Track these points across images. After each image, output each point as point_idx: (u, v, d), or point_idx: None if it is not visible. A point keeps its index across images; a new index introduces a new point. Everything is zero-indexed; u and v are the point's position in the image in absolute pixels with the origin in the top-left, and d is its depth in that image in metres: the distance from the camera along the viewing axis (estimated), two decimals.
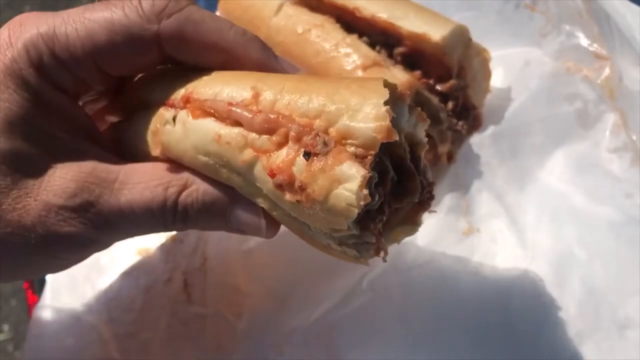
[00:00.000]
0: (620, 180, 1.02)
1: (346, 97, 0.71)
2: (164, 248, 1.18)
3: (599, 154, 1.05)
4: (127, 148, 0.88)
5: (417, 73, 1.08)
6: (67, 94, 0.81)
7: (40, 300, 1.14)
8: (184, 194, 0.79)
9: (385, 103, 0.68)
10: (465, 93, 1.09)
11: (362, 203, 0.67)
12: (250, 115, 0.74)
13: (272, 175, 0.71)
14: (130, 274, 1.15)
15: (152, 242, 1.19)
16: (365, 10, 1.11)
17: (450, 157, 1.08)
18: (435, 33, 1.04)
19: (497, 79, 1.14)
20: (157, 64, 0.84)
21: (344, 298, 1.01)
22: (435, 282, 0.99)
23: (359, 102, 0.70)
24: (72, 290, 1.16)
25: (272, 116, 0.73)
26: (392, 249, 0.78)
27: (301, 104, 0.72)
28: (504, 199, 1.05)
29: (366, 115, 0.69)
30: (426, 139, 0.78)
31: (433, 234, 1.03)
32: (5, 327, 2.46)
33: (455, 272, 1.00)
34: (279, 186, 0.71)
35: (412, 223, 0.80)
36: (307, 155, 0.69)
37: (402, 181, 0.75)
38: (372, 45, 1.11)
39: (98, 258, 1.18)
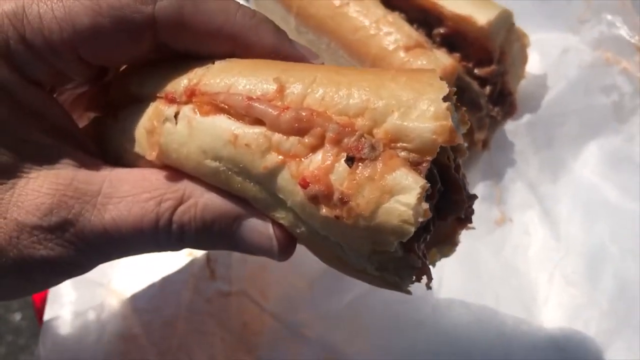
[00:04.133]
0: None
1: (395, 91, 0.59)
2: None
3: (633, 148, 1.05)
4: (112, 149, 0.74)
5: (457, 55, 1.05)
6: (41, 87, 0.67)
7: None
8: (179, 210, 0.66)
9: (445, 99, 0.58)
10: (504, 79, 1.07)
11: (420, 219, 0.56)
12: (275, 112, 0.62)
13: (305, 184, 0.59)
14: (137, 268, 1.12)
15: None
16: None
17: (485, 144, 1.07)
18: (481, 17, 1.01)
19: (533, 65, 1.12)
20: (148, 53, 0.70)
21: None
22: (466, 274, 0.99)
23: (412, 97, 0.58)
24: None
25: (303, 113, 0.60)
26: None
27: (339, 98, 0.60)
28: (537, 189, 1.04)
29: (422, 113, 0.57)
30: (465, 144, 0.69)
31: None
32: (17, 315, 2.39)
33: (486, 262, 1.00)
34: (313, 198, 0.59)
35: (449, 242, 0.72)
36: (351, 160, 0.58)
37: (447, 193, 0.64)
38: (410, 22, 1.07)
39: None
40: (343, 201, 0.58)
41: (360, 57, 1.05)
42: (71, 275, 0.70)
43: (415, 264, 0.61)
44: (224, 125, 0.64)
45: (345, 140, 0.59)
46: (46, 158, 0.66)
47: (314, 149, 0.60)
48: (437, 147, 0.57)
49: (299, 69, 0.65)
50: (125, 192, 0.66)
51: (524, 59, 1.10)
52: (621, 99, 1.07)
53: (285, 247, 0.67)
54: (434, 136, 0.57)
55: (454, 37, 1.05)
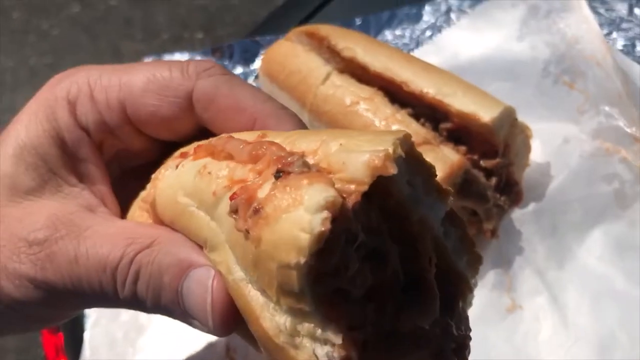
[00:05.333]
0: None
1: (353, 136, 0.56)
2: None
3: (635, 234, 1.09)
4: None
5: (463, 148, 1.10)
6: (89, 135, 0.77)
7: None
8: (144, 252, 0.67)
9: (398, 145, 0.53)
10: (509, 170, 1.13)
11: (317, 230, 0.49)
12: (242, 145, 0.61)
13: (233, 198, 0.56)
14: (170, 334, 1.16)
15: None
16: (413, 84, 1.13)
17: (494, 233, 1.12)
18: (485, 114, 1.07)
19: (536, 153, 1.18)
20: (190, 132, 0.77)
21: None
22: None
23: (365, 139, 0.55)
24: (111, 349, 1.17)
25: (264, 145, 0.58)
26: None
27: (304, 140, 0.58)
28: (545, 276, 1.08)
29: (364, 143, 0.54)
30: (474, 280, 0.64)
31: (478, 310, 1.06)
32: None
33: (498, 349, 1.03)
34: (234, 210, 0.55)
35: None
36: (279, 173, 0.54)
37: (417, 298, 0.57)
38: (417, 117, 1.13)
39: (137, 316, 1.19)
40: (256, 210, 0.53)
41: None
42: (34, 311, 0.73)
43: (335, 340, 0.52)
44: (202, 161, 0.65)
45: (284, 159, 0.56)
46: (62, 194, 0.74)
47: (259, 173, 0.57)
48: (368, 176, 0.51)
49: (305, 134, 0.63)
50: (111, 232, 0.69)
51: (527, 149, 1.16)
52: (622, 187, 1.11)
53: (222, 310, 0.62)
54: (366, 162, 0.52)
55: (460, 131, 1.11)
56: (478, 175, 1.09)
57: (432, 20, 1.41)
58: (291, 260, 0.50)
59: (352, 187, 0.52)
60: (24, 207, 0.72)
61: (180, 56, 1.48)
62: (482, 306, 1.07)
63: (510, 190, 1.13)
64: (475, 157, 1.11)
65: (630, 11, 1.31)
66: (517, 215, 1.13)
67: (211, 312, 0.62)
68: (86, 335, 1.17)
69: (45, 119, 0.74)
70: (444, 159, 1.05)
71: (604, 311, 1.03)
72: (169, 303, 0.66)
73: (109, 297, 0.68)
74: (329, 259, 0.51)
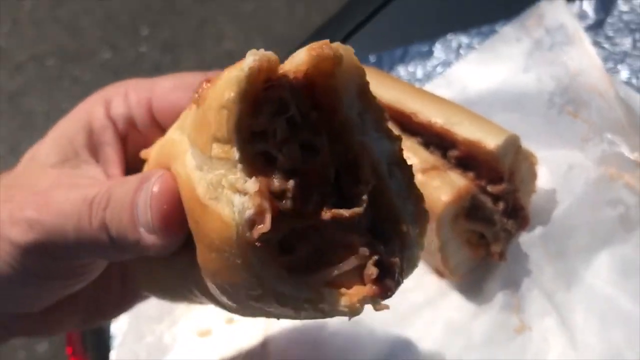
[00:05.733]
0: None
1: None
2: (223, 330, 1.24)
3: None
4: None
5: (471, 175, 1.15)
6: (115, 126, 0.86)
7: None
8: (117, 183, 0.74)
9: (339, 44, 0.60)
10: (515, 195, 1.17)
11: (247, 67, 0.55)
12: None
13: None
14: (193, 355, 1.21)
15: (212, 323, 1.25)
16: (422, 115, 1.19)
17: (502, 256, 1.15)
18: (490, 141, 1.12)
19: (542, 180, 1.22)
20: None
21: None
22: None
23: None
24: None
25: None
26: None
27: None
28: (553, 297, 1.11)
29: None
30: (416, 232, 0.64)
31: (486, 331, 1.10)
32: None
33: None
34: (195, 102, 0.63)
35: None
36: None
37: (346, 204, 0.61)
38: (426, 145, 1.19)
39: (161, 337, 1.24)
40: (205, 83, 0.62)
41: None
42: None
43: (250, 187, 0.58)
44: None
45: None
46: (79, 170, 0.82)
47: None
48: (306, 58, 0.58)
49: None
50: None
51: (533, 176, 1.20)
52: (626, 211, 1.15)
53: (160, 204, 0.67)
54: (306, 49, 0.59)
55: (467, 159, 1.16)
56: (485, 200, 1.14)
57: (443, 57, 1.48)
58: (224, 98, 0.56)
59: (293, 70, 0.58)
60: (44, 175, 0.81)
61: None
62: (490, 327, 1.10)
63: (517, 215, 1.17)
64: (483, 183, 1.16)
65: (634, 45, 1.36)
66: (525, 239, 1.17)
67: (150, 207, 0.67)
68: (112, 355, 1.23)
69: (83, 111, 0.86)
70: (451, 184, 1.10)
71: (612, 331, 1.06)
72: (127, 223, 0.69)
73: (84, 231, 0.72)
74: (259, 115, 0.57)
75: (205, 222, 0.60)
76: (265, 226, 0.56)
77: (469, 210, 1.13)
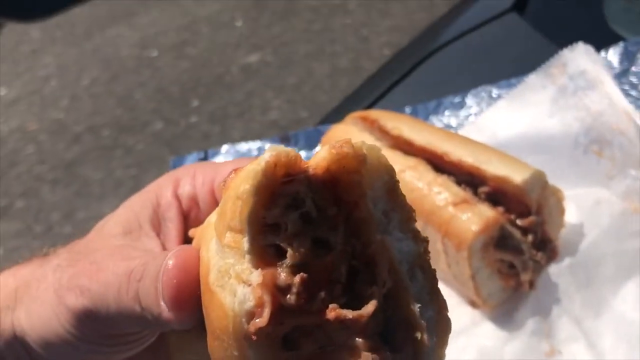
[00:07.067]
0: None
1: None
2: None
3: None
4: None
5: (500, 209, 1.23)
6: (180, 203, 0.88)
7: None
8: (154, 258, 0.74)
9: (363, 143, 0.60)
10: (543, 228, 1.24)
11: (264, 161, 0.57)
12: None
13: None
14: None
15: None
16: (452, 154, 1.28)
17: (532, 284, 1.21)
18: (517, 176, 1.21)
19: (571, 215, 1.29)
20: None
21: None
22: None
23: None
24: None
25: None
26: None
27: None
28: (582, 324, 1.16)
29: None
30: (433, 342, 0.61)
31: (518, 355, 1.15)
32: None
33: None
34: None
35: None
36: None
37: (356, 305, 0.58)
38: (458, 183, 1.27)
39: None
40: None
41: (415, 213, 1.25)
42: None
43: (254, 279, 0.58)
44: None
45: None
46: (140, 242, 0.83)
47: None
48: (327, 155, 0.59)
49: None
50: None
51: (561, 211, 1.27)
52: None
53: (173, 278, 0.67)
54: (328, 148, 0.59)
55: (496, 194, 1.24)
56: (514, 231, 1.21)
57: (475, 106, 1.58)
58: (240, 189, 0.57)
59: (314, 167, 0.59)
60: (106, 245, 0.83)
61: (253, 144, 1.69)
62: (522, 351, 1.15)
63: (546, 247, 1.24)
64: (512, 216, 1.23)
65: None
66: (554, 269, 1.23)
67: (161, 281, 0.67)
68: None
69: (154, 188, 0.90)
70: (480, 215, 1.18)
71: (639, 356, 1.10)
72: (153, 295, 0.69)
73: (122, 302, 0.73)
74: (273, 208, 0.58)
75: (211, 309, 0.60)
76: (262, 320, 0.55)
77: (498, 240, 1.20)
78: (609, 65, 1.49)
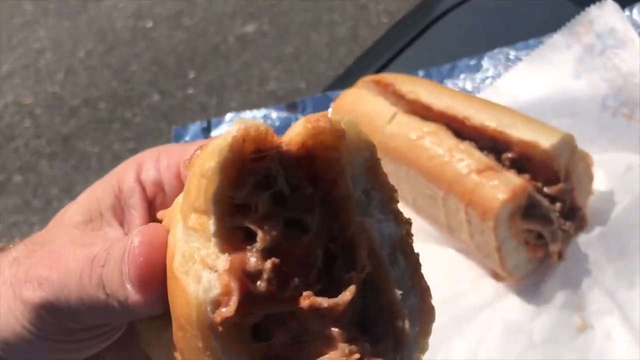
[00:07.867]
0: None
1: None
2: None
3: None
4: None
5: (526, 176, 1.16)
6: (144, 189, 0.83)
7: None
8: (118, 240, 0.69)
9: (342, 117, 0.55)
10: (572, 195, 1.17)
11: (230, 136, 0.52)
12: None
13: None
14: None
15: None
16: (474, 118, 1.21)
17: (560, 255, 1.15)
18: (545, 141, 1.13)
19: (599, 182, 1.21)
20: None
21: None
22: None
23: None
24: None
25: None
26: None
27: None
28: (615, 296, 1.10)
29: None
30: (415, 331, 0.57)
31: (548, 330, 1.08)
32: None
33: None
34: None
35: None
36: None
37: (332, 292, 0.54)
38: (480, 149, 1.20)
39: None
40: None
41: (436, 181, 1.17)
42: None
43: (220, 264, 0.52)
44: None
45: None
46: (101, 231, 0.79)
47: None
48: (301, 130, 0.54)
49: None
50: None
51: (590, 177, 1.20)
52: None
53: (138, 259, 0.61)
54: (303, 122, 0.54)
55: (522, 160, 1.16)
56: (542, 199, 1.14)
57: (492, 69, 1.50)
58: (205, 166, 0.52)
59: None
60: (65, 234, 0.78)
61: (257, 112, 1.61)
62: (551, 326, 1.09)
63: (575, 216, 1.17)
64: (539, 184, 1.16)
65: None
66: (583, 239, 1.17)
67: (127, 260, 0.62)
68: None
69: (116, 174, 0.83)
70: (507, 182, 1.11)
71: None
72: (118, 278, 0.65)
73: (85, 289, 0.68)
74: (241, 187, 0.53)
75: (174, 296, 0.55)
76: (228, 310, 0.51)
77: (525, 210, 1.13)
78: (634, 24, 1.40)
